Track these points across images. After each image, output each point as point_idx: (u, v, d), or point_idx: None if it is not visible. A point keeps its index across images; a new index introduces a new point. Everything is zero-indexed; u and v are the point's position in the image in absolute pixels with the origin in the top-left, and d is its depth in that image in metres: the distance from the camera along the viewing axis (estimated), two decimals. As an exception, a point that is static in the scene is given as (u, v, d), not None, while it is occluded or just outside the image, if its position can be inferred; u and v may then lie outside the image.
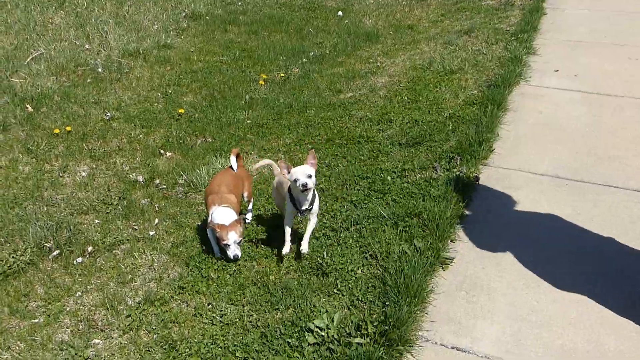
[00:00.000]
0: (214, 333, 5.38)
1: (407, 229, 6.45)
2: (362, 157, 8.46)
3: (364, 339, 4.94)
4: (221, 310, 5.69)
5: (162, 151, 9.89)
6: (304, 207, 5.69)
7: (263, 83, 12.39)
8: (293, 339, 5.08)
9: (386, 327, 4.98)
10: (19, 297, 6.76)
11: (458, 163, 7.63)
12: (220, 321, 5.54)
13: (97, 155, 9.64)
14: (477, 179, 7.41)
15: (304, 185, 5.33)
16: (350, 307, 5.46)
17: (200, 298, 5.97)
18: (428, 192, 7.11)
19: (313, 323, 5.14)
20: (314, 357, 4.91)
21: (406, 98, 10.56)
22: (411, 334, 5.04)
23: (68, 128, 10.19)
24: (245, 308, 5.66)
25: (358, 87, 11.70)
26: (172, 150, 9.93)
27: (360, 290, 5.67)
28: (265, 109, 11.22)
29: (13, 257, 7.31)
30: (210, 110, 11.18)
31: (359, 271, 5.96)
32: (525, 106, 9.86)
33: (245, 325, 5.42)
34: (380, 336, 4.92)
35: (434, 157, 8.11)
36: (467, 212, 6.88)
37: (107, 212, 8.34)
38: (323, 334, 5.05)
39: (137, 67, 12.97)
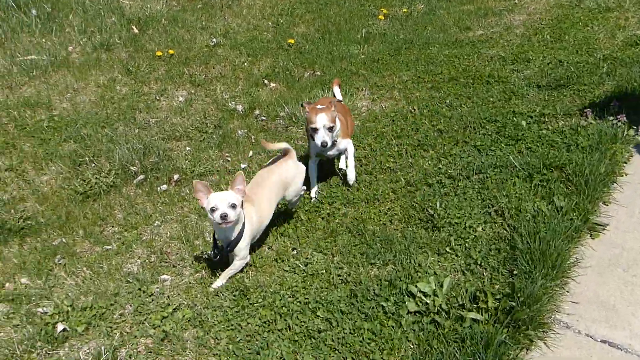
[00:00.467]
0: (294, 284, 4.47)
1: (545, 183, 5.16)
2: (491, 99, 7.16)
3: (482, 314, 3.83)
4: (306, 258, 4.77)
5: (266, 81, 9.09)
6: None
7: (383, 18, 11.30)
8: (389, 303, 4.06)
9: (512, 303, 3.84)
10: (96, 220, 6.19)
11: (616, 110, 6.14)
12: (304, 270, 4.62)
13: (197, 80, 8.96)
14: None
15: (223, 217, 4.29)
16: (466, 271, 4.34)
17: (284, 241, 5.07)
18: (574, 141, 5.73)
19: (416, 286, 4.09)
20: (413, 330, 3.86)
21: (548, 37, 9.04)
22: (546, 316, 3.87)
23: (171, 51, 9.57)
24: (334, 259, 4.70)
25: (490, 25, 10.27)
26: (277, 81, 9.09)
27: (479, 252, 4.52)
28: (383, 44, 10.13)
29: (96, 177, 6.76)
30: (322, 42, 10.24)
31: (480, 229, 4.78)
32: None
33: (333, 278, 4.45)
34: (503, 314, 3.78)
35: (582, 102, 6.66)
36: (627, 171, 5.43)
37: (200, 140, 7.64)
38: (428, 301, 3.99)
39: (249, -5, 12.14)
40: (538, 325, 3.78)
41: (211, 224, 4.84)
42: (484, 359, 3.45)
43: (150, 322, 4.30)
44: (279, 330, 4.04)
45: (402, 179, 5.68)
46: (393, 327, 3.89)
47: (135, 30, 10.17)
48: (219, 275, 4.75)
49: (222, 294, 4.53)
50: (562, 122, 6.25)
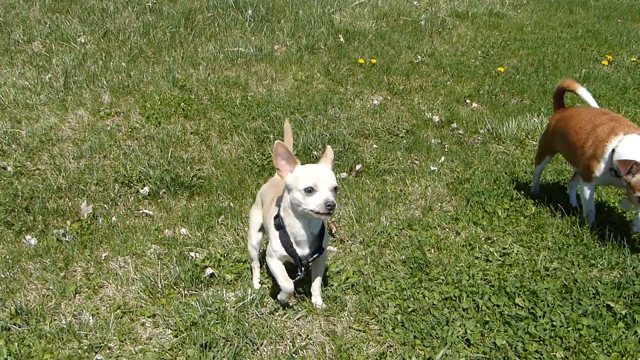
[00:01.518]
0: (487, 268, 3.56)
1: None
2: None
3: None
4: (503, 248, 3.84)
5: (468, 100, 8.39)
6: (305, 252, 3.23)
7: (607, 63, 10.20)
8: (618, 305, 3.01)
9: None
10: (269, 192, 5.79)
11: None
12: (499, 260, 3.70)
13: (395, 89, 8.49)
14: None
15: (330, 207, 2.94)
16: None
17: (476, 230, 4.22)
18: None
19: (659, 291, 3.00)
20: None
21: None
22: None
23: (373, 60, 9.24)
24: (541, 254, 3.72)
25: None
26: (480, 102, 8.36)
27: None
28: (605, 85, 9.03)
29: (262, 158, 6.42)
30: (535, 75, 9.38)
31: None
32: None
33: (539, 270, 3.48)
34: None
35: None
36: None
37: (389, 142, 7.11)
38: (676, 311, 2.89)
39: (461, 26, 11.65)
40: None
41: (289, 209, 3.15)
42: None
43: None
44: (464, 309, 3.17)
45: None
46: (624, 331, 2.84)
47: (342, 39, 10.03)
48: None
49: (394, 266, 3.75)
50: None
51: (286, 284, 3.19)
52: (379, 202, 5.40)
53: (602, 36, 11.77)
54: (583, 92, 4.81)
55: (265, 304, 3.46)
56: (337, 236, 4.71)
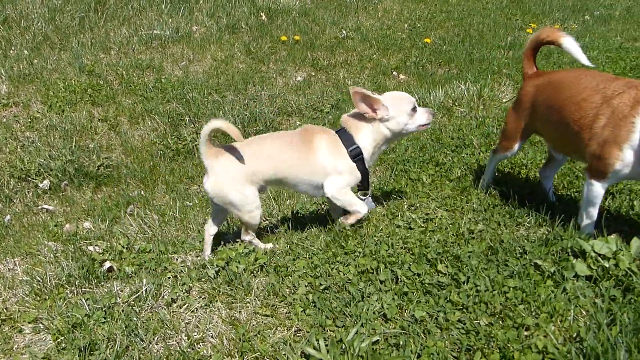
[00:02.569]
0: (408, 236, 3.25)
1: None
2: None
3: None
4: (427, 214, 3.54)
5: (394, 72, 8.13)
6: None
7: (531, 31, 10.10)
8: (546, 263, 2.73)
9: None
10: (182, 177, 5.39)
11: None
12: (422, 226, 3.40)
13: (320, 65, 8.16)
14: None
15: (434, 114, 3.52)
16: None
17: (399, 198, 3.90)
18: None
19: (591, 245, 2.73)
20: (584, 295, 2.51)
21: None
22: None
23: (296, 37, 8.87)
24: (465, 216, 3.43)
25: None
26: (407, 73, 8.11)
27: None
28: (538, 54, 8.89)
29: (192, 137, 5.99)
30: (461, 45, 9.19)
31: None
32: None
33: (462, 233, 3.19)
34: None
35: None
36: None
37: (313, 118, 6.74)
38: (607, 264, 2.63)
39: (387, 0, 11.37)
40: None
41: (376, 141, 3.40)
42: None
43: (213, 265, 3.23)
44: (381, 282, 2.84)
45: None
46: (553, 290, 2.56)
47: (264, 18, 9.62)
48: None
49: (310, 242, 3.41)
50: None
51: (364, 206, 3.47)
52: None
53: (526, 5, 11.75)
54: (570, 44, 3.40)
55: (161, 295, 3.05)
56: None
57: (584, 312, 2.41)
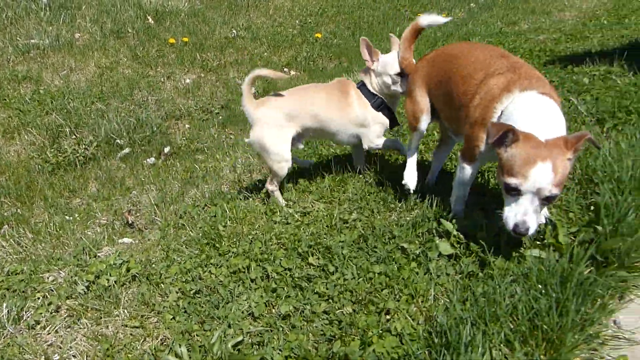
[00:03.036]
0: (283, 231, 3.21)
1: (621, 126, 3.88)
2: (544, 67, 5.91)
3: (549, 252, 2.51)
4: (304, 208, 3.52)
5: (286, 69, 8.11)
6: None
7: (421, 21, 10.31)
8: (412, 246, 2.77)
9: (595, 234, 2.51)
10: (63, 192, 5.14)
11: None
12: (299, 220, 3.37)
13: (209, 66, 8.02)
14: None
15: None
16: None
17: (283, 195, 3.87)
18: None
19: (452, 222, 2.79)
20: (447, 274, 2.56)
21: (605, 22, 7.89)
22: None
23: (185, 39, 8.69)
24: (342, 207, 3.44)
25: (539, 20, 9.17)
26: (299, 69, 8.10)
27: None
28: (419, 41, 9.09)
29: (73, 149, 5.72)
30: (352, 38, 9.27)
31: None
32: None
33: (335, 224, 3.19)
34: (582, 248, 2.45)
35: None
36: None
37: (203, 120, 6.63)
38: (469, 242, 2.69)
39: (278, -3, 11.35)
40: (634, 265, 2.44)
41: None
42: (559, 298, 2.12)
43: (83, 281, 3.08)
44: (252, 280, 2.79)
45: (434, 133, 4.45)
46: (417, 272, 2.59)
47: (151, 21, 9.35)
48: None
49: (184, 247, 3.31)
50: (636, 76, 4.96)
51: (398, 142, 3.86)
52: (187, 182, 4.93)
53: (415, -5, 12.00)
54: (425, 20, 3.27)
55: (23, 318, 2.87)
56: (135, 226, 4.19)
57: (444, 291, 2.45)
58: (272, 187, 3.75)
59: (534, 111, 2.43)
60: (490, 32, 8.79)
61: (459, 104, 2.85)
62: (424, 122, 3.30)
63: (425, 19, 3.30)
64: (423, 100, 3.28)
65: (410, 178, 3.41)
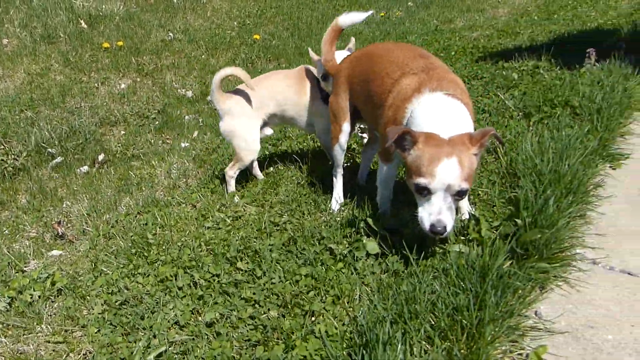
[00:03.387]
0: (213, 237, 3.18)
1: (547, 120, 4.00)
2: (477, 63, 6.04)
3: (473, 247, 2.56)
4: (235, 212, 3.50)
5: (224, 71, 8.01)
6: None
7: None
8: (341, 246, 2.78)
9: (516, 227, 2.58)
10: (-9, 204, 4.96)
11: (624, 51, 5.06)
12: (230, 225, 3.35)
13: (145, 70, 7.88)
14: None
15: None
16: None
17: (211, 198, 3.83)
18: (578, 82, 4.53)
19: (379, 221, 2.81)
20: (373, 272, 2.58)
21: (536, 17, 8.13)
22: (564, 248, 2.60)
23: (119, 43, 8.51)
24: (273, 209, 3.43)
25: (474, 18, 9.37)
26: (237, 71, 8.00)
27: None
28: (357, 40, 9.16)
29: (2, 159, 5.54)
30: (290, 39, 9.27)
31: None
32: None
33: (265, 227, 3.18)
34: (504, 241, 2.51)
35: (580, 54, 5.50)
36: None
37: (139, 125, 6.50)
38: (396, 239, 2.72)
39: (216, -1, 11.25)
40: (553, 256, 2.51)
41: None
42: (478, 292, 2.16)
43: (5, 297, 2.98)
44: (179, 288, 2.75)
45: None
46: (344, 272, 2.60)
47: (84, 25, 9.13)
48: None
49: (113, 257, 3.24)
50: (562, 70, 5.12)
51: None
52: (121, 190, 4.83)
53: (354, -5, 12.08)
54: (346, 19, 3.30)
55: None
56: (66, 237, 4.08)
57: (369, 290, 2.47)
58: (231, 172, 3.89)
59: (438, 112, 2.46)
60: (427, 30, 8.93)
61: (378, 104, 2.85)
62: (345, 134, 3.30)
63: (345, 19, 3.31)
64: (345, 106, 3.28)
65: (337, 204, 3.42)
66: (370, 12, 3.49)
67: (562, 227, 2.59)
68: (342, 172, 3.47)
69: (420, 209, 2.35)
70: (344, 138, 3.32)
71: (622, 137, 3.87)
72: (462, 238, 2.66)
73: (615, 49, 5.15)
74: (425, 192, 2.30)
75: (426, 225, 2.30)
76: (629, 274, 2.58)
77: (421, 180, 2.28)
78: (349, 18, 3.31)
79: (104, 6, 10.10)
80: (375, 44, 3.39)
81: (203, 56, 8.50)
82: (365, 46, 3.36)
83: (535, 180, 2.88)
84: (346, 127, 3.29)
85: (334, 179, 3.49)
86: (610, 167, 3.49)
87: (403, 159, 2.39)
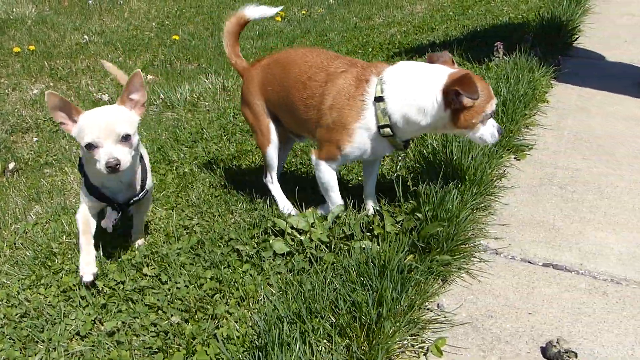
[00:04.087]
0: (119, 243, 3.11)
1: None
2: (389, 56, 6.16)
3: (377, 243, 2.60)
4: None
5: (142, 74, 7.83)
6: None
7: (280, 19, 10.43)
8: (248, 247, 2.77)
9: (418, 221, 2.63)
10: None
11: (530, 44, 5.26)
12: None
13: (59, 74, 7.63)
14: (558, 63, 5.09)
15: (111, 167, 2.46)
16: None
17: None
18: (485, 76, 4.68)
19: (286, 221, 2.82)
20: (279, 273, 2.59)
21: (451, 13, 8.37)
22: (466, 240, 2.68)
23: (31, 47, 8.22)
24: (183, 213, 3.39)
25: (392, 14, 9.52)
26: (156, 73, 7.88)
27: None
28: (279, 38, 9.19)
29: None
30: (211, 39, 9.17)
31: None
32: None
33: (173, 231, 3.13)
34: (406, 235, 2.56)
35: (490, 48, 5.69)
36: (549, 99, 4.47)
37: (53, 131, 6.28)
38: (303, 238, 2.73)
39: (133, 0, 11.01)
40: (456, 248, 2.58)
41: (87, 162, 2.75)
42: (377, 287, 2.20)
43: None
44: (81, 297, 2.67)
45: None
46: (250, 274, 2.59)
47: (-9, 30, 8.76)
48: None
49: (14, 269, 3.13)
50: (472, 64, 5.28)
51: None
52: (31, 199, 4.66)
53: (275, -6, 12.05)
54: (252, 12, 3.28)
55: None
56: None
57: (272, 291, 2.47)
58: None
59: (416, 69, 2.68)
60: (347, 28, 9.00)
61: (306, 109, 2.88)
62: (274, 145, 3.23)
63: (253, 11, 3.26)
64: (264, 115, 3.22)
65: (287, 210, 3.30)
66: (279, 8, 3.44)
67: (464, 219, 2.67)
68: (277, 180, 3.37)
69: (482, 131, 2.62)
70: (273, 139, 3.23)
71: (526, 128, 4.02)
72: (369, 234, 2.70)
73: (522, 43, 5.33)
74: (491, 114, 2.61)
75: (490, 139, 2.65)
76: (529, 262, 2.68)
77: (489, 108, 2.57)
78: (258, 11, 3.26)
79: (14, 10, 9.73)
80: (283, 52, 3.27)
81: (120, 58, 8.30)
82: (270, 55, 3.32)
83: (439, 173, 2.95)
84: (273, 137, 3.23)
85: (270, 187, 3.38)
86: (515, 158, 3.63)
87: (454, 109, 2.53)
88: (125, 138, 2.50)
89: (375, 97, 2.62)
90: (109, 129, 2.46)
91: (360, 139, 2.71)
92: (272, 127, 3.23)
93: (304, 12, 11.02)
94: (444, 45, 6.11)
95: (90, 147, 2.47)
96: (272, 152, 3.26)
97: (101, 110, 2.64)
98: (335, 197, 2.96)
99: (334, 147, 2.77)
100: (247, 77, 3.28)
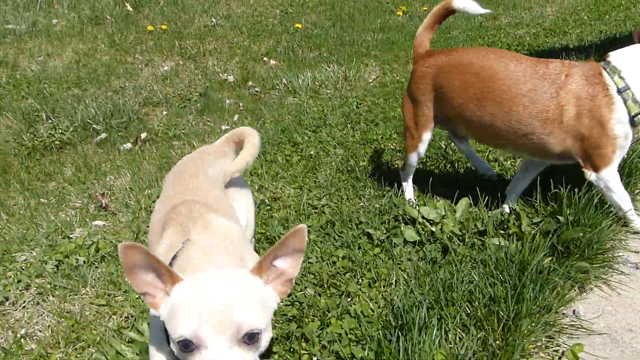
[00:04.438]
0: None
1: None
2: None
3: (512, 241, 2.57)
4: (273, 192, 3.57)
5: (265, 58, 8.09)
6: None
7: (401, 14, 10.41)
8: (378, 232, 2.82)
9: (557, 225, 2.58)
10: (40, 175, 5.13)
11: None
12: (269, 206, 3.42)
13: (188, 54, 7.99)
14: None
15: None
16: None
17: (251, 180, 3.90)
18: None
19: (418, 210, 2.84)
20: (410, 259, 2.62)
21: (585, 17, 8.04)
22: (607, 249, 2.60)
23: (163, 26, 8.65)
24: (312, 193, 3.48)
25: (519, 15, 9.27)
26: (278, 59, 8.08)
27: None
28: (399, 33, 9.17)
29: (50, 133, 5.70)
30: (332, 29, 9.28)
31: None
32: None
33: (304, 209, 3.23)
34: (544, 237, 2.52)
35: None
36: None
37: (181, 107, 6.61)
38: (434, 229, 2.75)
39: (260, -13, 11.30)
40: (595, 257, 2.51)
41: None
42: (516, 285, 2.18)
43: (53, 260, 3.09)
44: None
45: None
46: (381, 257, 2.65)
47: (129, 8, 9.30)
48: None
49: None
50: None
51: None
52: (162, 167, 4.95)
53: (397, -11, 12.02)
54: (461, 3, 3.01)
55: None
56: (109, 209, 4.21)
57: (406, 276, 2.50)
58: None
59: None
60: (471, 26, 8.86)
61: (531, 123, 2.73)
62: (424, 144, 3.15)
63: (460, 1, 3.00)
64: (430, 115, 3.10)
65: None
66: (487, 11, 3.16)
67: (605, 227, 2.59)
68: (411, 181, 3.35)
69: None
70: (422, 147, 3.17)
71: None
72: (502, 232, 2.67)
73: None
74: None
75: None
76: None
77: None
78: (465, 3, 2.99)
79: (150, -11, 10.25)
80: (460, 51, 3.07)
81: (245, 42, 8.58)
82: (444, 51, 3.14)
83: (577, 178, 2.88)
84: (427, 136, 3.15)
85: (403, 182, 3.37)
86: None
87: None
88: (251, 337, 1.49)
89: (617, 89, 2.61)
90: (224, 318, 1.46)
91: (619, 132, 2.63)
92: (427, 139, 3.14)
93: (426, 8, 10.93)
94: (579, 50, 5.89)
95: (187, 345, 1.47)
96: (415, 159, 3.21)
97: (215, 278, 1.57)
98: (626, 201, 2.78)
99: (603, 151, 2.65)
100: (419, 73, 3.10)
